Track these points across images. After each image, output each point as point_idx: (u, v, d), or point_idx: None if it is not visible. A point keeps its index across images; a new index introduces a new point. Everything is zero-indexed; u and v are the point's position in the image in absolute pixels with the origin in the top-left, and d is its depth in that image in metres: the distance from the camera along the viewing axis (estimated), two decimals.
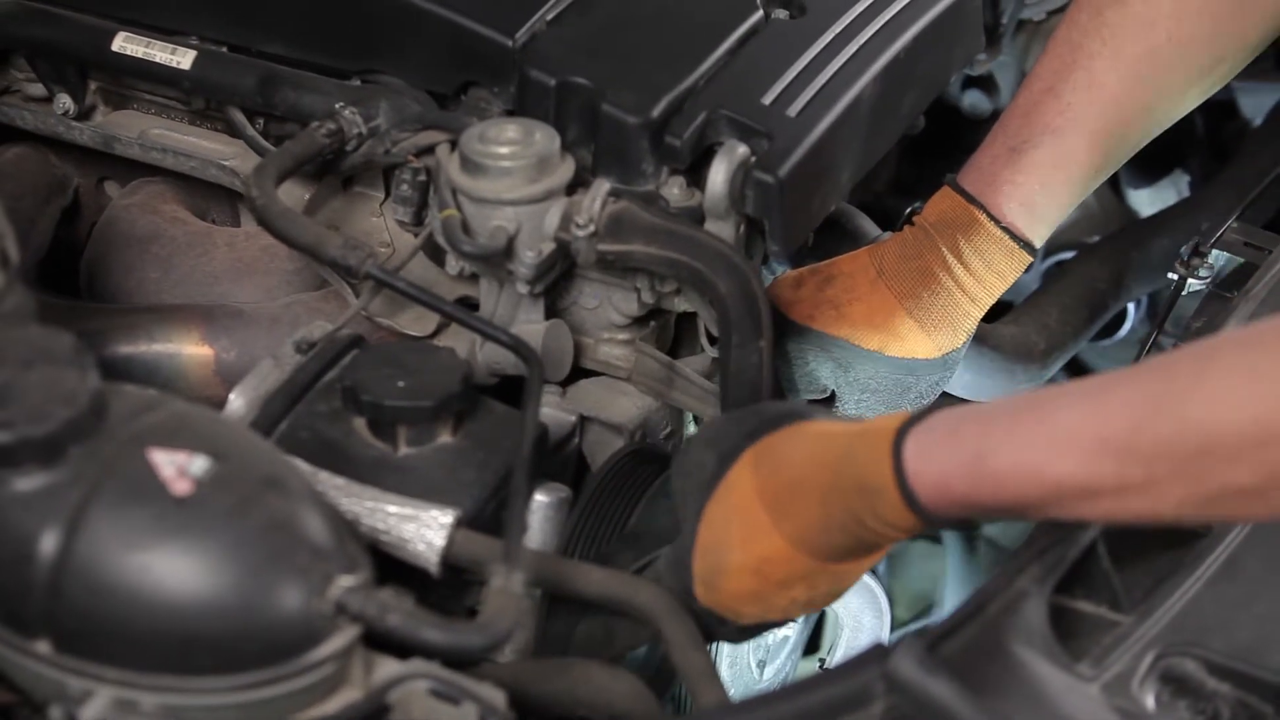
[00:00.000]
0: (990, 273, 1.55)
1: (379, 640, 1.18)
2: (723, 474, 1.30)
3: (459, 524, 1.29)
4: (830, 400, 1.60)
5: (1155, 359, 1.17)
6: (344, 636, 1.16)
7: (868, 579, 1.77)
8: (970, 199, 1.54)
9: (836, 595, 1.32)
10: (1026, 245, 1.54)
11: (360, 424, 1.39)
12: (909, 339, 1.56)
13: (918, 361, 1.57)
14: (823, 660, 1.88)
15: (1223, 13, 1.53)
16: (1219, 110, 2.20)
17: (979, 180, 1.55)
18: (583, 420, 1.56)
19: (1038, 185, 1.53)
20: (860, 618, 1.82)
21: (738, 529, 1.28)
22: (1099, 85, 1.53)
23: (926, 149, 2.01)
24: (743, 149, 1.51)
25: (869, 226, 1.72)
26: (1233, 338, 1.15)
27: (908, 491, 1.19)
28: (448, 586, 1.34)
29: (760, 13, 1.63)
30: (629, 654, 1.45)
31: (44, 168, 1.77)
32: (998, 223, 1.53)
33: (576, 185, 1.51)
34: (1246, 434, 1.07)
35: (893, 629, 1.85)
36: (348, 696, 1.18)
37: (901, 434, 1.20)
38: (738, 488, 1.29)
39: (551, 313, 1.57)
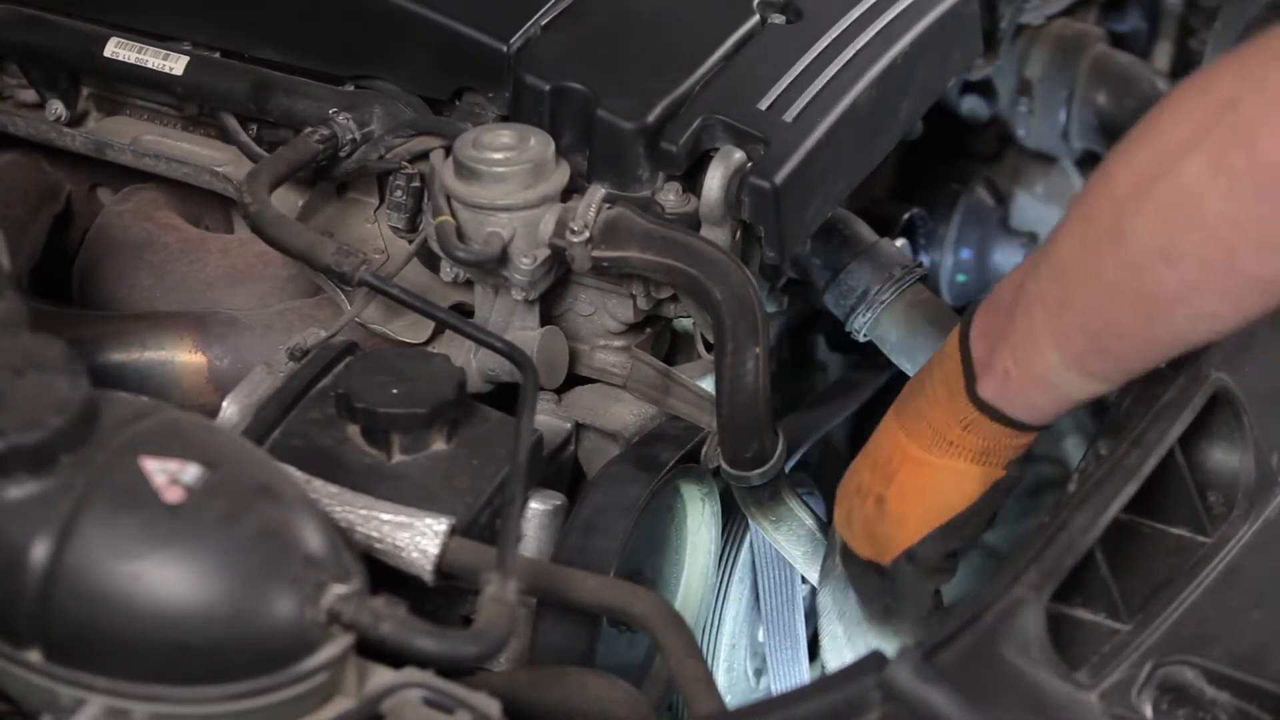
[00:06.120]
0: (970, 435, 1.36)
1: (372, 649, 1.18)
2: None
3: (453, 532, 1.29)
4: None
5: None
6: (337, 645, 1.16)
7: None
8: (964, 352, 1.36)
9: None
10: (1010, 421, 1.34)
11: (354, 431, 1.39)
12: None
13: None
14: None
15: None
16: None
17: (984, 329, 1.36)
18: (578, 428, 1.55)
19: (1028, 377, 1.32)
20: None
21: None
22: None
23: (924, 155, 2.01)
24: (738, 154, 1.50)
25: (866, 233, 1.71)
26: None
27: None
28: (442, 595, 1.33)
29: (756, 17, 1.63)
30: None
31: (36, 174, 1.76)
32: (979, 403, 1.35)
33: (571, 191, 1.51)
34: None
35: None
36: (341, 706, 1.18)
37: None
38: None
39: (546, 319, 1.56)
